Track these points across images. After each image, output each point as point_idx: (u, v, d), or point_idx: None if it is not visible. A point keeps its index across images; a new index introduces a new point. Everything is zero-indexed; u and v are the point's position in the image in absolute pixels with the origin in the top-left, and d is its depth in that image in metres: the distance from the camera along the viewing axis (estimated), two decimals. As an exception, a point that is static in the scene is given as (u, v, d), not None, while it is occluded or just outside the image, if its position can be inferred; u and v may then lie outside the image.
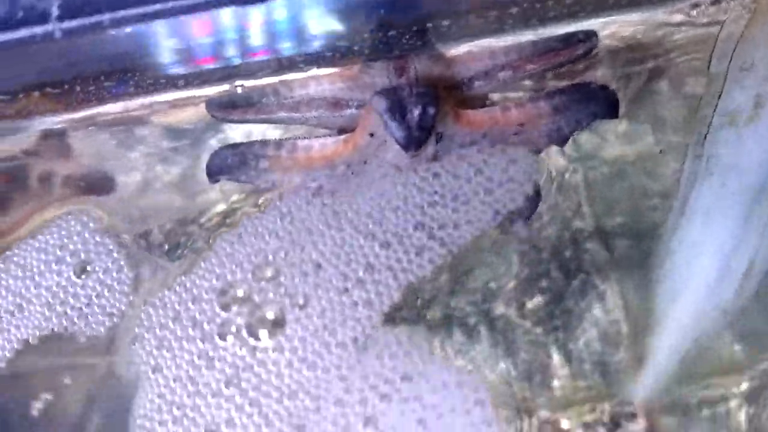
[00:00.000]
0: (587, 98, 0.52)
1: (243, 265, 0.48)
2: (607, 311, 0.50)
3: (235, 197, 0.51)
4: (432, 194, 0.50)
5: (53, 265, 0.50)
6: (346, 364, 0.47)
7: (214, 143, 0.53)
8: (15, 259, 0.51)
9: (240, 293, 0.48)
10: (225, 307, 0.48)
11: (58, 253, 0.50)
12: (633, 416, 0.49)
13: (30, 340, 0.49)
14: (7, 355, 0.49)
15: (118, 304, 0.49)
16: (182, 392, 0.47)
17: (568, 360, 0.50)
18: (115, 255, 0.50)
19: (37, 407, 0.48)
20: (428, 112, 0.48)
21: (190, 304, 0.48)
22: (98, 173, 0.53)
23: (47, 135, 0.53)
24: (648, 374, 0.49)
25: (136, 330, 0.48)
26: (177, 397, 0.47)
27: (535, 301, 0.50)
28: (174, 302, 0.48)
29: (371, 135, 0.50)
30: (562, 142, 0.52)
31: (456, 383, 0.47)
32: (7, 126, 0.52)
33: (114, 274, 0.50)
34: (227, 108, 0.53)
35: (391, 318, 0.48)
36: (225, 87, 0.53)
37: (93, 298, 0.49)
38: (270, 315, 0.48)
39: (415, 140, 0.49)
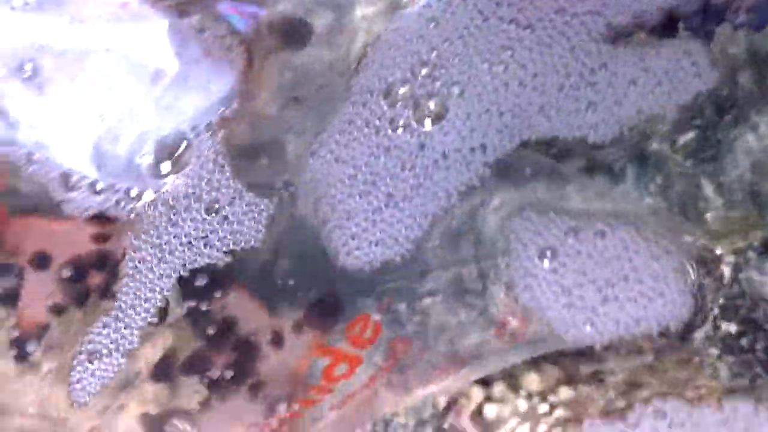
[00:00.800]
0: None
1: (401, 66, 0.54)
2: (761, 140, 0.51)
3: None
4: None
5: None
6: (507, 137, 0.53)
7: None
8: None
9: (402, 91, 0.54)
10: (391, 106, 0.54)
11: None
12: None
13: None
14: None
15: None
16: (362, 177, 0.53)
17: (720, 190, 0.51)
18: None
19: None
20: None
21: (360, 108, 0.54)
22: (293, 20, 0.54)
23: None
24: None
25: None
26: (358, 180, 0.53)
27: (687, 136, 0.52)
28: (345, 113, 0.54)
29: None
30: None
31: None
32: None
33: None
34: None
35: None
36: None
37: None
38: (432, 106, 0.53)
39: None
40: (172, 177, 0.51)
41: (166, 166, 0.51)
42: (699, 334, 0.54)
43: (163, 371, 0.53)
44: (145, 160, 0.51)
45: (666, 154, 0.51)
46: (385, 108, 0.54)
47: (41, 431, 0.52)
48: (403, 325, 0.53)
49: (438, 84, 0.54)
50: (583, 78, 0.53)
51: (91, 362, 0.52)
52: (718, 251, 0.52)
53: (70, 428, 0.53)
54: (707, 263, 0.52)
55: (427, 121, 0.53)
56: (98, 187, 0.51)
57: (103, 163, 0.51)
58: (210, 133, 0.51)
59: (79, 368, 0.52)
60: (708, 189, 0.51)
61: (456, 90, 0.54)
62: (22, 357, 0.52)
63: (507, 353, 0.55)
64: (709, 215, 0.51)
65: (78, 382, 0.52)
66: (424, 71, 0.54)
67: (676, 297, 0.51)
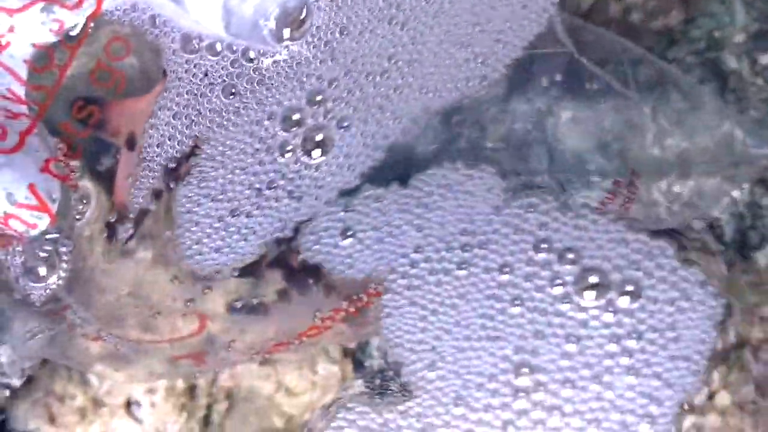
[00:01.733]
0: None
1: (296, 93, 0.54)
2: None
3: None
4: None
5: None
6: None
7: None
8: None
9: (296, 117, 0.54)
10: (285, 130, 0.54)
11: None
12: None
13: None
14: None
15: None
16: (244, 198, 0.55)
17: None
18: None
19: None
20: None
21: (253, 127, 0.55)
22: None
23: None
24: None
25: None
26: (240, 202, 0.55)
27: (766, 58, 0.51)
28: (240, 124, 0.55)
29: None
30: None
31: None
32: None
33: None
34: None
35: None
36: None
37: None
38: (320, 137, 0.54)
39: None
40: (290, 43, 0.52)
41: (287, 32, 0.52)
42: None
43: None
44: (270, 23, 0.51)
45: (746, 77, 0.51)
46: (279, 131, 0.55)
47: (132, 306, 0.56)
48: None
49: (330, 114, 0.54)
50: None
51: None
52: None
53: (159, 309, 0.56)
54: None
55: (315, 152, 0.55)
56: (217, 48, 0.53)
57: (230, 21, 0.52)
58: (331, -1, 0.53)
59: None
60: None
61: (345, 123, 0.55)
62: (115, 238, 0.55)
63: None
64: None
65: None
66: (318, 97, 0.54)
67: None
